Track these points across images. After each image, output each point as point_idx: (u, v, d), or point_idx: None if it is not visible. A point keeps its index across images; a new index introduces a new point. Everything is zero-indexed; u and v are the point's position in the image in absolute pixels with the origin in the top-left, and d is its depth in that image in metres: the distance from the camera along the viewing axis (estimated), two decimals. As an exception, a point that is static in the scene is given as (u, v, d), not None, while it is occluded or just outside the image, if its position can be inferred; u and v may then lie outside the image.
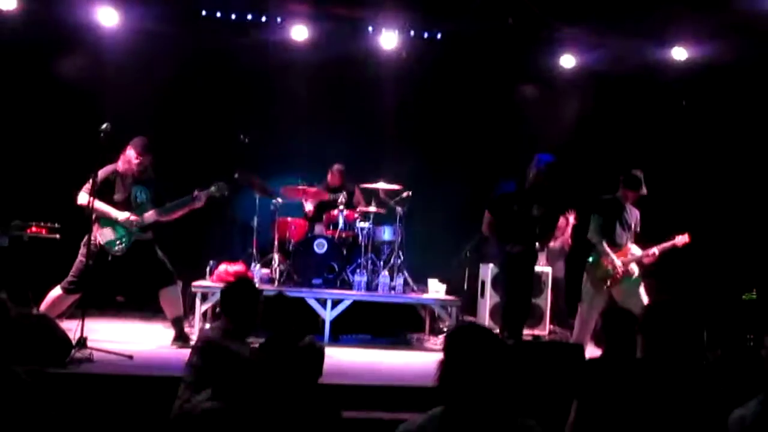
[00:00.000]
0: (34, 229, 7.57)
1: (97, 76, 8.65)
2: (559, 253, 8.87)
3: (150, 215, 6.03)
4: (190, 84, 8.89)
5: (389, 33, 8.68)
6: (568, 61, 9.18)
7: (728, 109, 8.79)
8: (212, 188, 6.20)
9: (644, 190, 6.63)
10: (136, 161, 6.00)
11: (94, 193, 5.66)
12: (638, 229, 6.75)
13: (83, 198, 5.87)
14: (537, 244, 6.28)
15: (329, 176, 8.70)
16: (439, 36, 8.84)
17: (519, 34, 8.71)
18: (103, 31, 8.45)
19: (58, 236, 7.49)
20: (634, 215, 6.73)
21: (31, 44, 8.40)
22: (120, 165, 5.99)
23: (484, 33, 8.80)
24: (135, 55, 8.54)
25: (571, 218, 8.60)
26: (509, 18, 8.58)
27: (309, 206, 8.49)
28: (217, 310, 7.66)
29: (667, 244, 6.64)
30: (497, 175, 7.11)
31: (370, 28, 8.67)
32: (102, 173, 5.91)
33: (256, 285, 7.17)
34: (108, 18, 8.33)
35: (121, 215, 5.93)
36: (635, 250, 6.65)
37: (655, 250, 6.61)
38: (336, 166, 8.67)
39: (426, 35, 8.82)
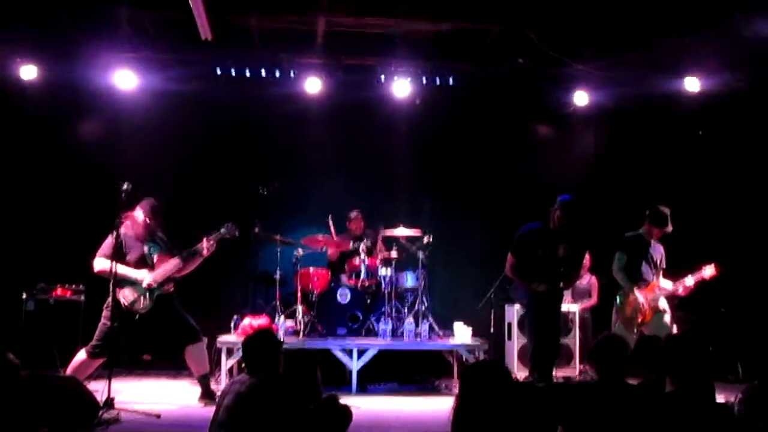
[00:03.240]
0: (59, 291, 7.70)
1: (117, 137, 8.85)
2: (585, 291, 8.79)
3: (163, 270, 6.01)
4: (208, 140, 9.02)
5: (401, 81, 8.76)
6: (581, 98, 9.18)
7: (744, 137, 8.73)
8: (222, 230, 6.20)
9: (670, 228, 6.56)
10: (144, 223, 6.03)
11: (114, 256, 5.70)
12: (664, 266, 6.69)
13: (101, 263, 5.90)
14: (562, 283, 6.19)
15: (349, 224, 8.72)
16: (451, 81, 8.88)
17: (531, 73, 8.76)
18: (122, 94, 8.61)
19: (83, 298, 7.58)
20: (659, 251, 6.66)
21: (53, 111, 8.62)
22: (128, 225, 6.00)
23: (496, 75, 8.84)
24: (153, 115, 8.72)
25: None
26: (520, 59, 8.65)
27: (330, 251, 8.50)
28: (244, 366, 7.63)
29: (697, 276, 6.53)
30: (517, 215, 7.10)
31: (383, 77, 8.75)
32: (116, 234, 5.91)
33: (280, 338, 7.32)
34: (126, 81, 8.50)
35: (140, 274, 5.94)
36: (665, 284, 6.56)
37: (690, 279, 6.50)
38: (354, 213, 8.70)
39: (438, 81, 8.87)
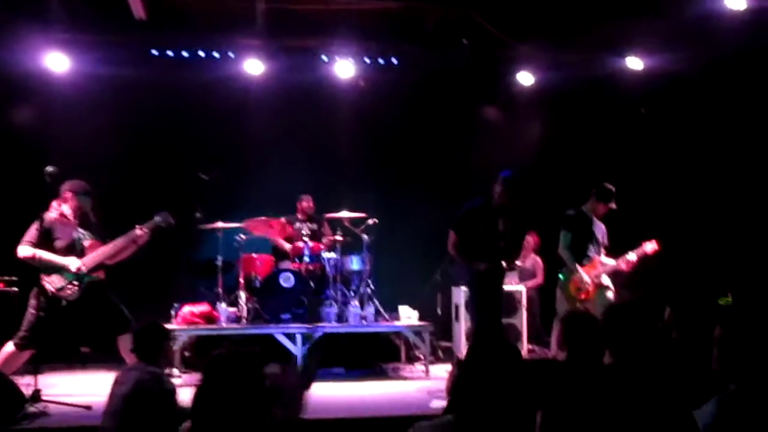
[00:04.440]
0: (-10, 283, 7.38)
1: (50, 123, 8.50)
2: (531, 272, 8.81)
3: (94, 256, 5.78)
4: (146, 125, 8.75)
5: (344, 61, 8.62)
6: (526, 78, 9.16)
7: (687, 115, 8.80)
8: (156, 218, 5.97)
9: (614, 204, 6.59)
10: (72, 204, 5.79)
11: (39, 243, 5.46)
12: (607, 243, 6.71)
13: (24, 250, 5.63)
14: (504, 261, 6.15)
15: (299, 207, 8.55)
16: (395, 62, 8.77)
17: (475, 54, 8.69)
18: (54, 78, 8.29)
19: (16, 289, 7.28)
20: (601, 229, 6.69)
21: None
22: (57, 210, 5.76)
23: (441, 56, 8.76)
24: (88, 98, 8.40)
25: (531, 238, 8.61)
26: (464, 39, 8.57)
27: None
28: (186, 354, 7.46)
29: (639, 251, 6.57)
30: (463, 198, 7.03)
31: (325, 58, 8.59)
32: (43, 220, 5.68)
33: (223, 324, 7.16)
34: (58, 64, 8.19)
35: (68, 261, 5.70)
36: (606, 261, 6.58)
37: (632, 255, 6.53)
38: (304, 196, 8.54)
39: (382, 62, 8.75)
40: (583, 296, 6.41)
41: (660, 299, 5.13)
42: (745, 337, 2.80)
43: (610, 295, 6.49)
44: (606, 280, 6.53)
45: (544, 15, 8.09)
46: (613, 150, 9.06)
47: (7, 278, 7.39)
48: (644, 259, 6.58)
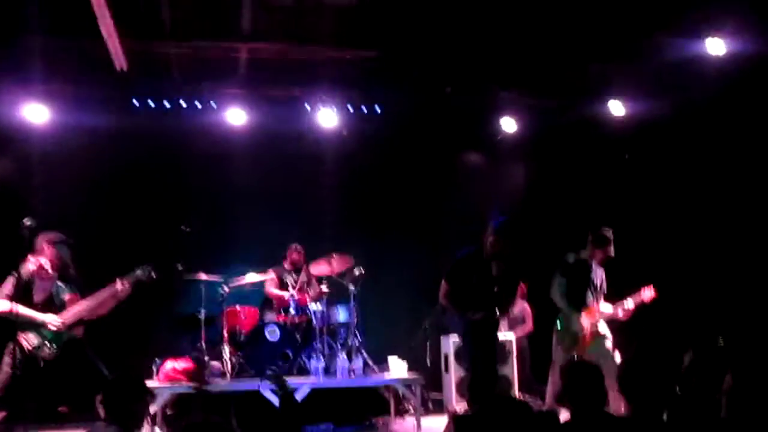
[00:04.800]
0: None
1: (28, 175, 8.36)
2: (520, 319, 8.68)
3: (74, 311, 5.58)
4: (127, 176, 8.62)
5: (327, 110, 8.58)
6: (509, 124, 9.17)
7: (671, 159, 8.82)
8: (137, 272, 5.80)
9: (612, 251, 6.47)
10: (50, 256, 5.60)
11: (16, 297, 5.27)
12: (605, 290, 6.59)
13: (1, 305, 5.42)
14: (498, 311, 6.00)
15: (289, 257, 8.39)
16: (378, 110, 8.75)
17: (458, 101, 8.70)
18: (33, 129, 8.16)
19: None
20: (599, 275, 6.56)
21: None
22: (34, 263, 5.57)
23: (424, 103, 8.76)
24: (67, 151, 8.31)
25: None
26: (447, 87, 8.59)
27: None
28: (168, 411, 7.20)
29: (636, 298, 6.44)
30: (449, 246, 6.94)
31: (308, 107, 8.55)
32: (19, 274, 5.49)
33: (207, 379, 6.92)
34: (37, 115, 8.06)
35: (47, 318, 5.48)
36: (605, 308, 6.47)
37: (629, 302, 6.40)
38: (293, 246, 8.39)
39: (365, 110, 8.72)
40: (581, 344, 6.26)
41: (677, 346, 5.04)
42: (753, 387, 2.70)
43: (608, 344, 6.35)
44: (604, 328, 6.40)
45: (526, 61, 8.13)
46: (598, 196, 9.03)
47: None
48: (641, 306, 6.46)
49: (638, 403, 2.80)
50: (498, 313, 5.99)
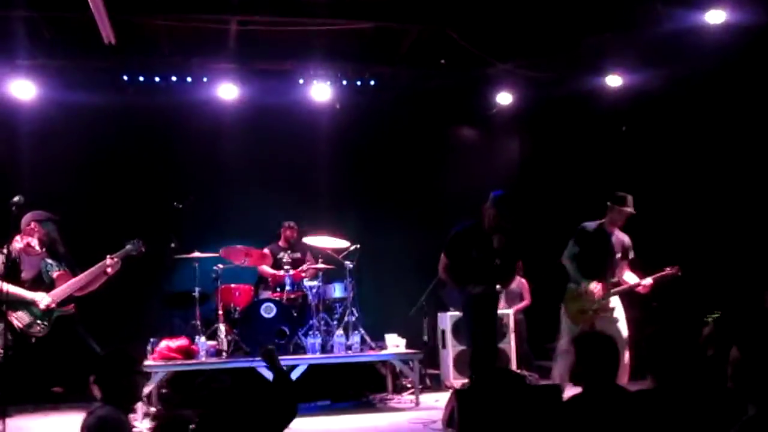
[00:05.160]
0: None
1: (16, 152, 8.20)
2: (517, 294, 8.61)
3: (63, 288, 5.47)
4: (117, 153, 8.49)
5: (321, 84, 8.43)
6: (505, 98, 9.05)
7: (668, 131, 8.73)
8: (127, 246, 5.69)
9: (630, 209, 6.32)
10: (38, 235, 5.49)
11: (4, 276, 5.16)
12: (631, 256, 6.42)
13: None
14: (499, 284, 5.92)
15: (282, 235, 8.28)
16: (372, 83, 8.61)
17: (453, 74, 8.57)
18: (19, 105, 7.99)
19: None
20: (621, 242, 6.39)
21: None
22: (21, 241, 5.46)
23: (418, 76, 8.63)
24: (55, 127, 8.18)
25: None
26: (442, 59, 8.45)
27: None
28: (164, 390, 7.12)
29: (657, 276, 6.32)
30: (444, 220, 6.83)
31: (301, 80, 8.40)
32: (7, 252, 5.38)
33: (202, 358, 6.84)
34: (23, 91, 7.89)
35: (36, 296, 5.37)
36: (629, 277, 6.35)
37: (649, 279, 6.29)
38: (288, 223, 8.27)
39: (359, 83, 8.57)
40: (587, 314, 6.18)
41: (696, 316, 4.99)
42: (757, 359, 2.63)
43: (617, 315, 6.24)
44: (615, 301, 6.28)
45: (521, 33, 7.99)
46: (594, 169, 8.94)
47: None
48: (662, 282, 6.34)
49: (662, 376, 2.71)
50: (498, 287, 5.92)
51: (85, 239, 6.90)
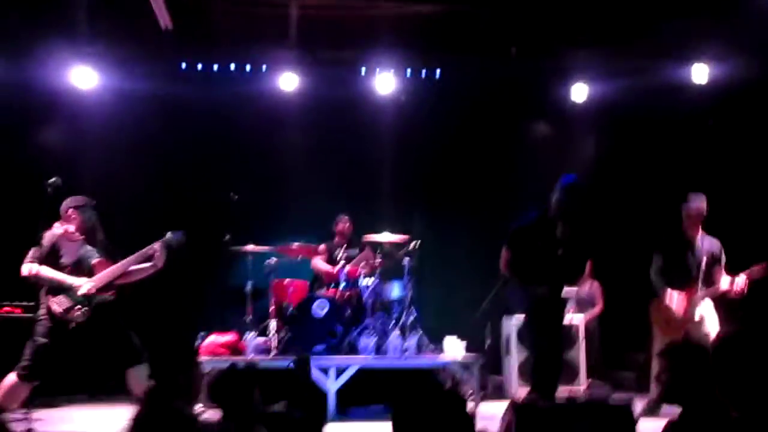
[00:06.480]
0: (6, 309, 6.99)
1: (76, 141, 8.20)
2: (589, 300, 8.05)
3: (105, 274, 5.27)
4: (174, 142, 8.32)
5: (384, 74, 8.07)
6: (579, 90, 8.49)
7: (760, 125, 8.01)
8: (168, 235, 5.45)
9: (695, 205, 6.03)
10: (76, 222, 5.32)
11: (45, 262, 4.98)
12: (723, 260, 6.08)
13: (27, 268, 5.14)
14: (565, 281, 5.39)
15: (336, 230, 7.96)
16: (438, 73, 8.20)
17: (524, 64, 8.07)
18: (81, 94, 7.94)
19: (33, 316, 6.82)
20: (707, 248, 6.05)
21: (5, 116, 7.87)
22: (60, 227, 5.30)
23: (487, 66, 8.16)
24: (114, 116, 8.07)
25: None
26: (512, 48, 7.97)
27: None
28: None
29: (748, 274, 5.90)
30: (512, 219, 6.38)
31: (363, 70, 8.07)
32: (46, 238, 5.21)
33: (250, 356, 6.56)
34: (85, 79, 7.83)
35: (77, 281, 5.19)
36: (724, 282, 5.95)
37: (742, 278, 5.86)
38: (342, 218, 7.95)
39: (424, 74, 8.18)
40: (673, 324, 5.85)
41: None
42: None
43: (709, 323, 5.88)
44: (705, 306, 5.90)
45: (598, 18, 7.45)
46: (678, 168, 8.28)
47: (25, 303, 6.97)
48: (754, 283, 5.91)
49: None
50: (565, 285, 5.38)
51: (140, 229, 6.74)
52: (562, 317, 5.51)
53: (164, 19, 6.96)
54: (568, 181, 5.19)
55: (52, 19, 7.38)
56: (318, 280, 7.85)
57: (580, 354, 7.36)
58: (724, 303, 6.04)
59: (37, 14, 7.33)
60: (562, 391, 6.60)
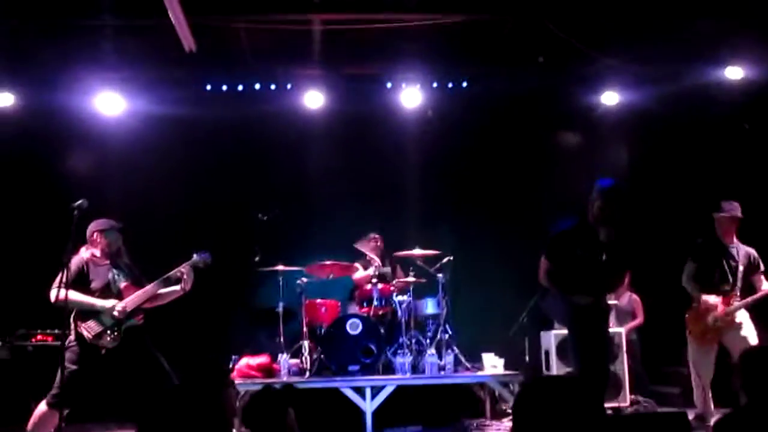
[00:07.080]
0: (39, 337, 6.96)
1: (103, 166, 8.21)
2: (629, 311, 7.81)
3: (135, 296, 5.19)
4: (201, 164, 8.30)
5: (411, 88, 7.96)
6: (610, 97, 8.31)
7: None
8: (195, 257, 5.37)
9: (726, 214, 5.91)
10: (101, 245, 5.25)
11: (73, 287, 4.91)
12: (762, 268, 5.96)
13: (56, 293, 5.06)
14: (608, 288, 5.17)
15: (366, 248, 7.82)
16: (464, 84, 8.07)
17: (552, 72, 7.91)
18: (106, 119, 7.94)
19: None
20: (745, 254, 5.95)
21: (32, 141, 7.92)
22: (87, 251, 5.23)
23: (514, 75, 8.01)
24: (140, 139, 8.06)
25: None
26: (540, 56, 7.82)
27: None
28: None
29: None
30: (546, 231, 6.20)
31: (389, 84, 7.96)
32: (74, 262, 5.14)
33: (284, 378, 6.42)
34: (110, 104, 7.83)
35: (107, 303, 5.10)
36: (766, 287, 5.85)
37: None
38: (372, 236, 7.82)
39: (450, 85, 8.05)
40: (711, 332, 5.70)
41: None
42: None
43: (745, 331, 5.74)
44: (742, 314, 5.76)
45: (627, 22, 7.27)
46: (713, 174, 8.04)
47: (57, 332, 6.93)
48: None
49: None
50: (608, 293, 5.17)
51: (169, 251, 6.67)
52: (607, 327, 5.28)
53: (188, 42, 6.90)
54: (607, 185, 4.98)
55: (78, 46, 7.38)
56: (351, 295, 7.72)
57: (623, 367, 7.11)
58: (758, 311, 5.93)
59: (63, 41, 7.34)
60: (607, 408, 6.41)
